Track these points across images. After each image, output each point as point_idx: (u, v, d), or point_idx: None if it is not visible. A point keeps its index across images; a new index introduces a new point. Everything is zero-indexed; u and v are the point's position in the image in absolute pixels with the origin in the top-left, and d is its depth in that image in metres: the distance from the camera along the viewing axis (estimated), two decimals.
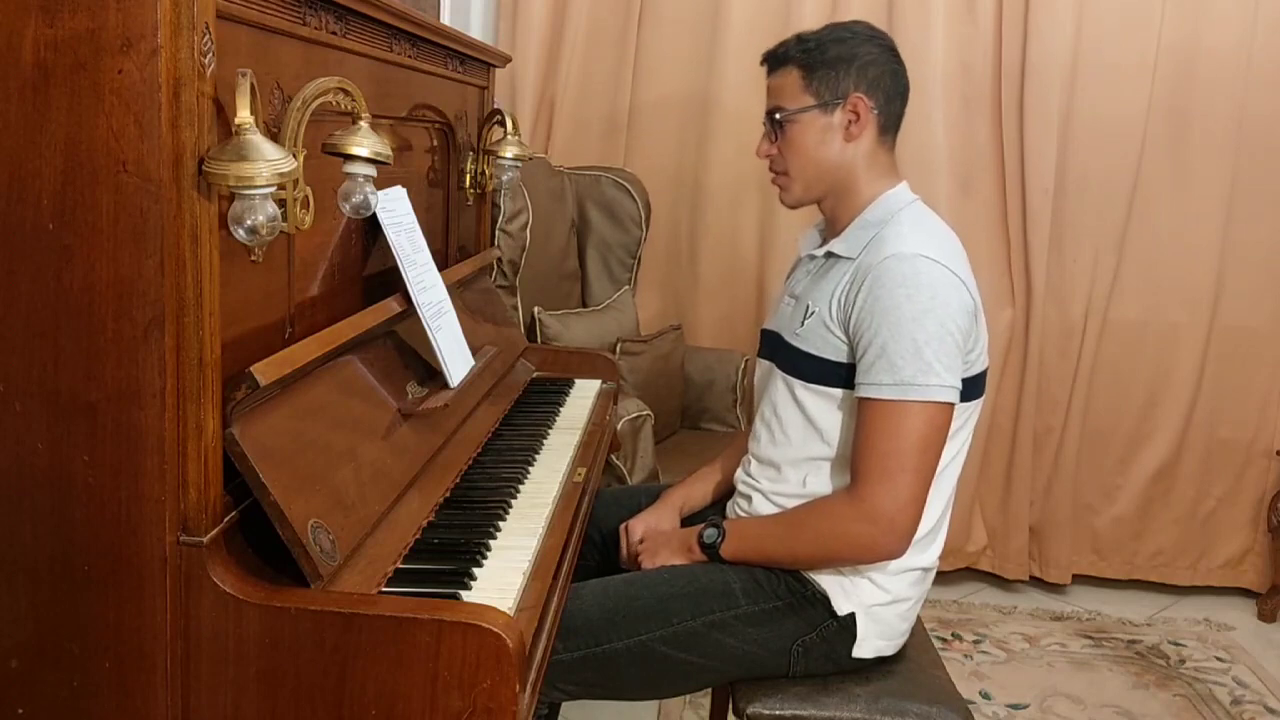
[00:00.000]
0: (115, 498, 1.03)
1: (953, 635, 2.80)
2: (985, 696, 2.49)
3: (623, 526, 1.69)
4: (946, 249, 1.45)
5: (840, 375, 1.45)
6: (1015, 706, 2.46)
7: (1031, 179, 2.87)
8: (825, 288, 1.49)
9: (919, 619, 1.64)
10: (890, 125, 1.54)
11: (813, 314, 1.49)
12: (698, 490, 1.74)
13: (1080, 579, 3.13)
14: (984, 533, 3.09)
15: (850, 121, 1.51)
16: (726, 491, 1.71)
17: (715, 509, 1.71)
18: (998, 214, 2.95)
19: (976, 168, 2.93)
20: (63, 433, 1.02)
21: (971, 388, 1.46)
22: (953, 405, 1.40)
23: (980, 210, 2.95)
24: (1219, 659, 2.76)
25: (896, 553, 1.41)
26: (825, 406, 1.47)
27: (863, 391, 1.40)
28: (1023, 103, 2.84)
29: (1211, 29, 2.83)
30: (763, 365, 1.63)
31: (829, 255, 1.53)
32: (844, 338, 1.45)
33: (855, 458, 1.41)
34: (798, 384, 1.50)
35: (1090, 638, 2.83)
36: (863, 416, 1.40)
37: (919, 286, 1.38)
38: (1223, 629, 2.93)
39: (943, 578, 3.10)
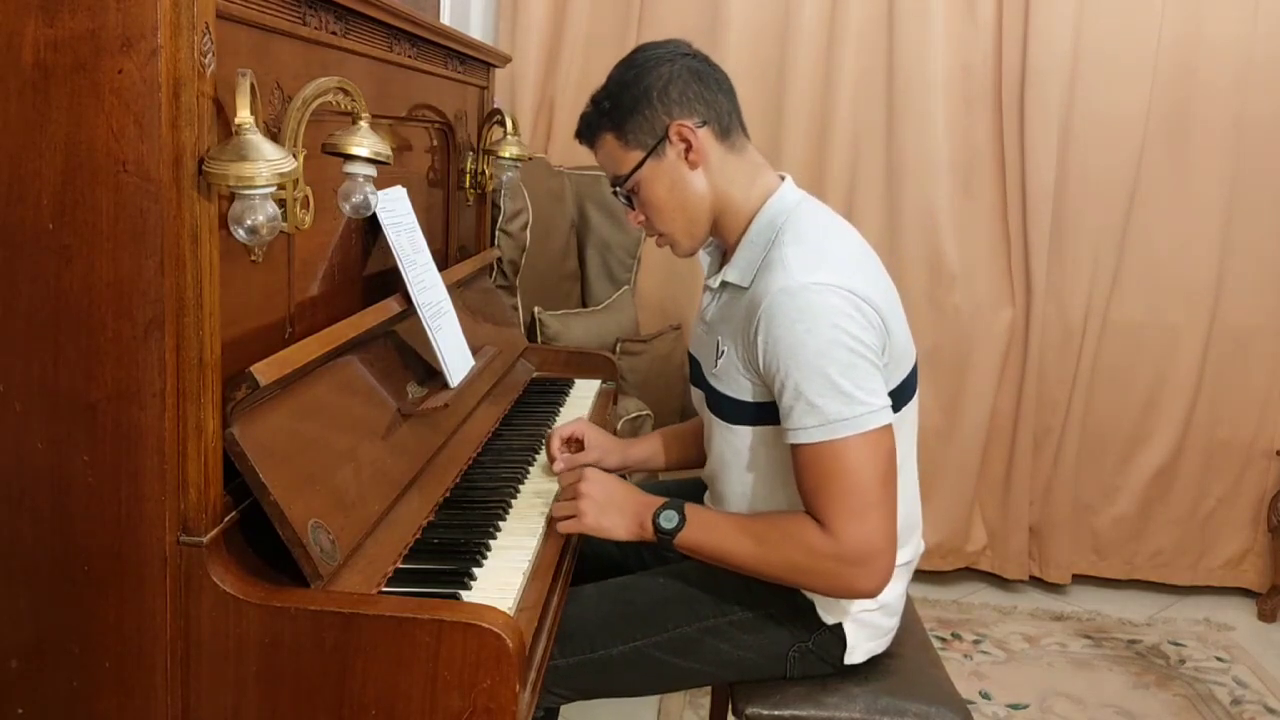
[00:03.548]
0: (115, 498, 1.03)
1: (953, 635, 2.80)
2: (985, 696, 2.49)
3: (560, 435, 1.62)
4: (836, 262, 1.34)
5: (757, 413, 1.39)
6: (1015, 706, 2.46)
7: (1032, 179, 2.87)
8: (732, 323, 1.41)
9: (918, 618, 1.65)
10: (728, 126, 1.44)
11: (723, 353, 1.42)
12: (646, 448, 1.72)
13: (1080, 579, 3.13)
14: (984, 533, 3.09)
15: (685, 150, 1.41)
16: (675, 461, 1.71)
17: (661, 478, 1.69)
18: (998, 214, 2.95)
19: (977, 168, 2.93)
20: (63, 433, 1.02)
21: (897, 397, 1.37)
22: (889, 426, 1.30)
23: (980, 210, 2.95)
24: (1219, 659, 2.76)
25: (875, 593, 1.32)
26: (755, 444, 1.42)
27: (792, 437, 1.30)
28: (1023, 103, 2.84)
29: (1212, 29, 2.83)
30: (695, 393, 1.57)
31: (724, 285, 1.45)
32: (755, 379, 1.36)
33: (812, 504, 1.31)
34: (723, 424, 1.44)
35: (1090, 638, 2.83)
36: (800, 462, 1.31)
37: (816, 318, 1.28)
38: (1223, 629, 2.93)
39: (943, 577, 3.10)
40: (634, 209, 1.48)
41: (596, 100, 1.47)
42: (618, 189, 1.47)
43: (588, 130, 1.48)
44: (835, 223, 1.45)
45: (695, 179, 1.43)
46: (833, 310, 1.29)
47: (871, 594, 1.32)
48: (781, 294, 1.30)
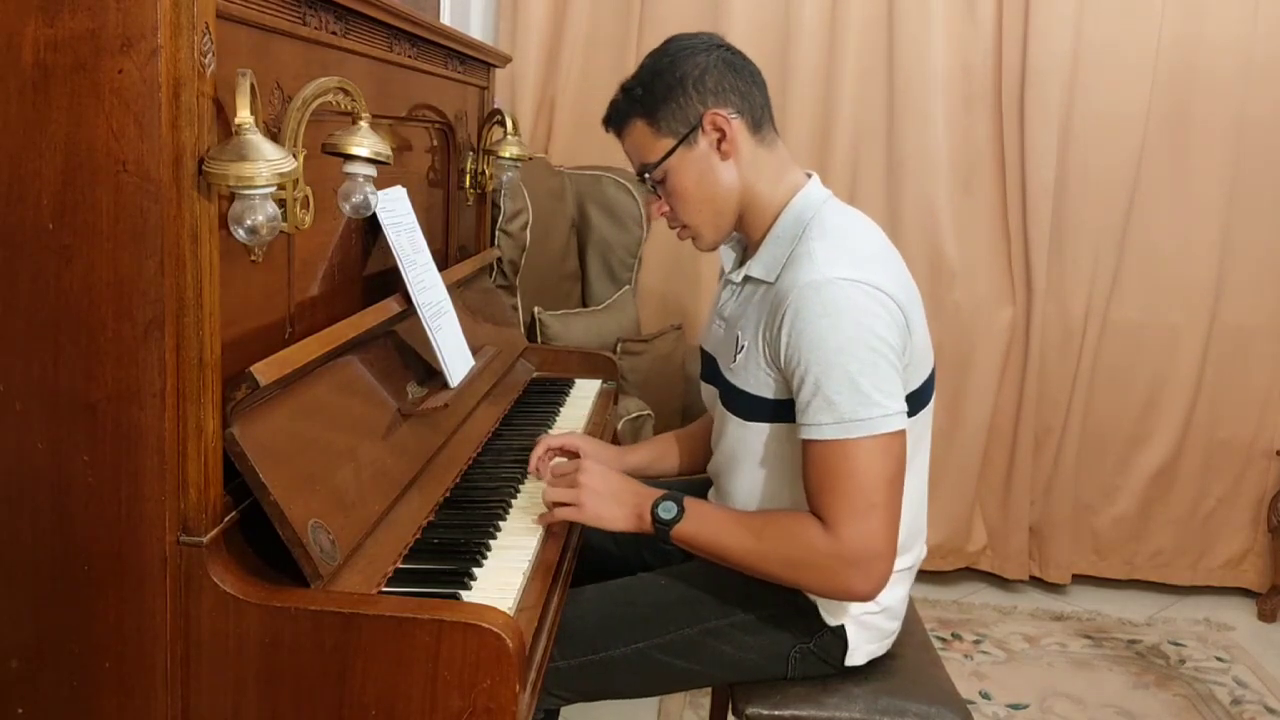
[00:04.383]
0: (115, 498, 1.03)
1: (953, 635, 2.80)
2: (985, 696, 2.49)
3: (550, 443, 1.59)
4: (863, 259, 1.34)
5: (775, 410, 1.37)
6: (1015, 706, 2.46)
7: (1032, 178, 2.87)
8: (752, 317, 1.40)
9: (918, 619, 1.64)
10: (760, 119, 1.43)
11: (743, 348, 1.40)
12: (645, 454, 1.72)
13: (1080, 579, 3.13)
14: (984, 533, 3.09)
15: (718, 140, 1.40)
16: (688, 465, 1.70)
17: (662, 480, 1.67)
18: (998, 213, 2.95)
19: (977, 167, 2.93)
20: (63, 433, 1.02)
21: (912, 403, 1.36)
22: (903, 431, 1.29)
23: (980, 209, 2.95)
24: (1219, 659, 2.76)
25: (870, 596, 1.31)
26: (769, 441, 1.41)
27: (805, 433, 1.29)
28: (1023, 102, 2.84)
29: (1212, 28, 2.83)
30: (707, 389, 1.56)
31: (747, 279, 1.45)
32: (776, 373, 1.35)
33: (816, 501, 1.30)
34: (738, 420, 1.43)
35: (1090, 638, 2.83)
36: (810, 458, 1.30)
37: (840, 313, 1.27)
38: (1223, 629, 2.93)
39: (943, 578, 3.10)
40: (660, 198, 1.47)
41: (628, 87, 1.46)
42: (646, 176, 1.46)
43: (617, 116, 1.47)
44: (862, 220, 1.45)
45: (725, 170, 1.42)
46: (857, 307, 1.28)
47: (866, 597, 1.32)
48: (808, 288, 1.30)
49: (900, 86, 2.88)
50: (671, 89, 1.41)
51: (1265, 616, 3.01)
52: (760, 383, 1.39)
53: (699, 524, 1.36)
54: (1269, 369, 3.01)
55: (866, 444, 1.27)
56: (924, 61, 2.85)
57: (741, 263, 1.51)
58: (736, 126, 1.41)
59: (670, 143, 1.42)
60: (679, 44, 1.45)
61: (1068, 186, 2.90)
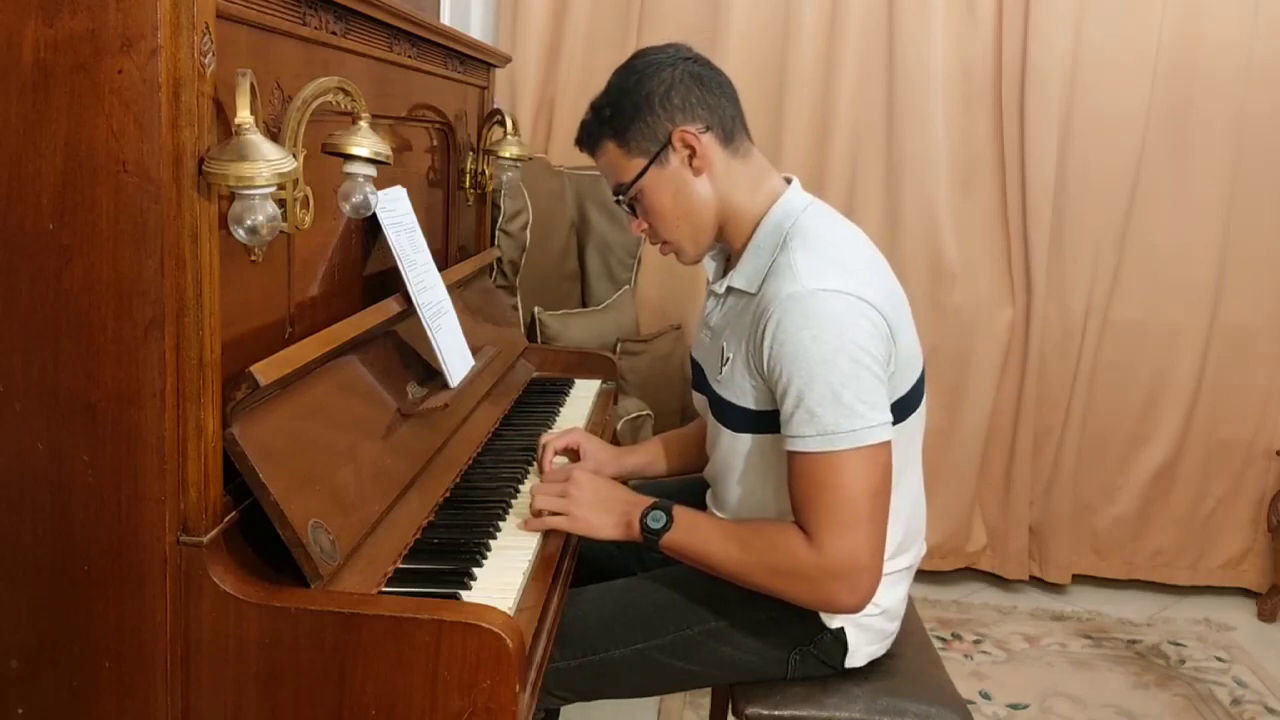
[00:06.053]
0: (115, 498, 1.03)
1: (953, 635, 2.80)
2: (985, 696, 2.49)
3: (548, 443, 1.60)
4: (845, 268, 1.32)
5: (760, 421, 1.37)
6: (1015, 706, 2.46)
7: (1032, 178, 2.87)
8: (737, 329, 1.40)
9: (918, 619, 1.64)
10: (732, 131, 1.42)
11: (729, 359, 1.40)
12: (643, 456, 1.71)
13: (1080, 579, 3.13)
14: (984, 533, 3.09)
15: (689, 156, 1.40)
16: (676, 468, 1.70)
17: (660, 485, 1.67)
18: (998, 213, 2.95)
19: (977, 167, 2.93)
20: (63, 433, 1.02)
21: (902, 408, 1.37)
22: (888, 442, 1.28)
23: (980, 209, 2.95)
24: (1219, 659, 2.76)
25: (856, 608, 1.31)
26: (757, 451, 1.41)
27: (789, 445, 1.29)
28: (1023, 102, 2.85)
29: (1212, 28, 2.83)
30: (698, 398, 1.56)
31: (730, 290, 1.44)
32: (761, 384, 1.35)
33: (801, 513, 1.29)
34: (725, 430, 1.43)
35: (1090, 638, 2.83)
36: (794, 471, 1.29)
37: (823, 325, 1.26)
38: (1223, 629, 2.93)
39: (943, 578, 3.10)
40: (637, 217, 1.47)
41: (597, 107, 1.45)
42: (620, 197, 1.46)
43: (588, 138, 1.47)
44: (844, 227, 1.44)
45: (700, 185, 1.42)
46: (840, 318, 1.27)
47: (853, 609, 1.32)
48: (790, 300, 1.29)
49: (900, 86, 2.88)
50: (639, 108, 1.40)
51: (1265, 616, 3.01)
52: (744, 393, 1.38)
53: (688, 534, 1.36)
54: (1269, 369, 3.01)
55: (850, 456, 1.26)
56: (923, 61, 2.85)
57: (724, 273, 1.50)
58: (707, 141, 1.40)
59: (642, 163, 1.41)
60: (645, 60, 1.44)
61: (1068, 186, 2.90)
